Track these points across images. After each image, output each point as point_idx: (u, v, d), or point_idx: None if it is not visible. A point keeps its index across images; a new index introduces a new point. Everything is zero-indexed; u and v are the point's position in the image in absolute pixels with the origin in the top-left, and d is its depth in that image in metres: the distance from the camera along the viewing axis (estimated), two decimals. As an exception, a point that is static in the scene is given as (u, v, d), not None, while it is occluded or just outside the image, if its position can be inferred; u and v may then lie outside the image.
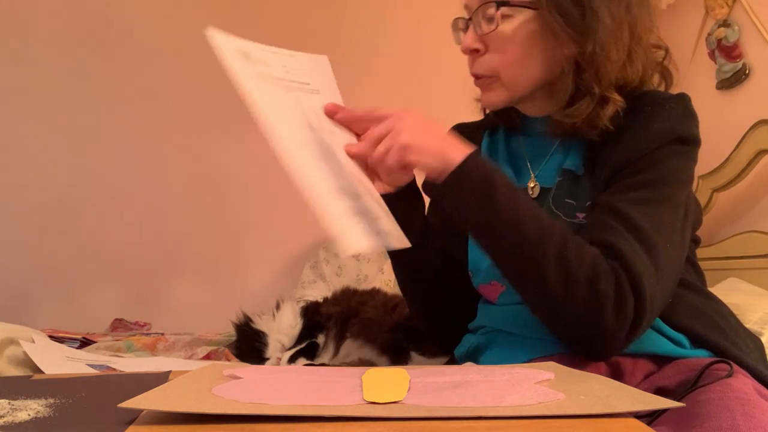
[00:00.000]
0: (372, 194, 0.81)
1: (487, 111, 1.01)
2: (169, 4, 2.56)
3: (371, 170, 0.83)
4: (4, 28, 2.40)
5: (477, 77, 0.89)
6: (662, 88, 0.91)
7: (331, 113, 0.83)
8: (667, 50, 0.91)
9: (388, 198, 0.84)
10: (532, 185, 0.92)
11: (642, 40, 0.86)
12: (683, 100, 0.85)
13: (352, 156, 0.81)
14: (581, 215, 0.85)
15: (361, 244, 0.70)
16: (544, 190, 0.90)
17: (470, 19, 0.88)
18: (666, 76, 0.92)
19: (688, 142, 0.83)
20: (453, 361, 0.99)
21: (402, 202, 0.87)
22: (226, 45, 0.74)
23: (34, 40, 2.43)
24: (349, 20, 2.75)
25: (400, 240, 0.79)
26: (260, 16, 2.59)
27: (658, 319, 0.81)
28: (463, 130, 1.05)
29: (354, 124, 0.84)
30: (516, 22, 0.84)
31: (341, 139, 0.82)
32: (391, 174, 0.82)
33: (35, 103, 2.43)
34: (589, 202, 0.85)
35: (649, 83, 0.89)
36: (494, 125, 1.01)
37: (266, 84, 0.76)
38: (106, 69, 2.48)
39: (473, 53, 0.88)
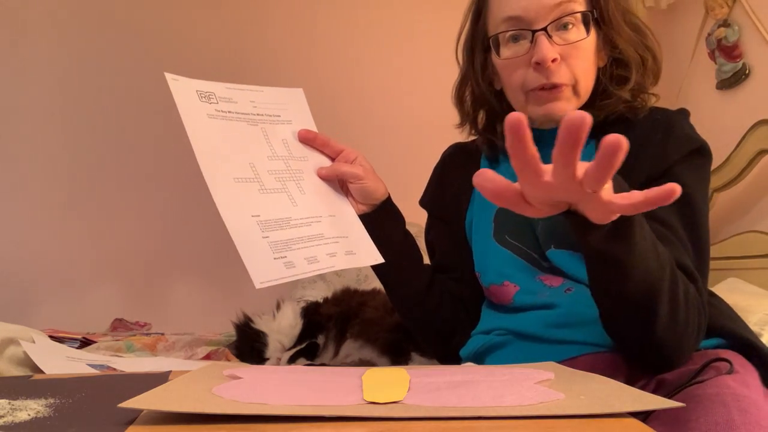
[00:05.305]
0: (341, 214, 0.87)
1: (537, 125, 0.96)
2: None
3: (347, 190, 0.91)
4: (4, 27, 2.41)
5: (553, 87, 0.87)
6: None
7: (305, 139, 0.90)
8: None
9: (365, 216, 0.90)
10: None
11: None
12: (687, 113, 0.92)
13: (323, 177, 0.88)
14: None
15: (271, 276, 0.72)
16: None
17: (541, 29, 0.85)
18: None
19: (705, 153, 0.88)
20: (456, 360, 0.98)
21: (380, 218, 0.93)
22: (183, 87, 0.80)
23: (35, 35, 2.43)
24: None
25: (366, 258, 0.85)
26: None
27: None
28: (461, 151, 1.08)
29: (327, 147, 0.91)
30: (592, 32, 0.89)
31: (314, 162, 0.89)
32: (363, 192, 0.89)
33: (35, 103, 2.43)
34: None
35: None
36: (494, 152, 1.01)
37: (222, 120, 0.82)
38: (108, 68, 2.48)
39: (554, 62, 0.86)
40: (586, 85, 0.89)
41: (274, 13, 2.70)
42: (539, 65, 0.86)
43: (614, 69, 0.91)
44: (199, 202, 2.73)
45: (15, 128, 2.40)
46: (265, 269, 0.72)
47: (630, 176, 0.81)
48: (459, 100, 1.03)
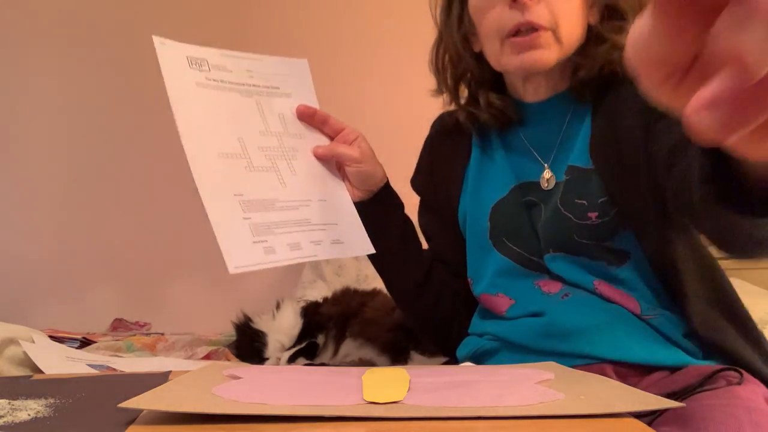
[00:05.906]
0: (334, 199, 0.82)
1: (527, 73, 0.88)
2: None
3: (343, 173, 0.85)
4: (4, 27, 2.41)
5: (531, 30, 0.79)
6: None
7: (303, 115, 0.84)
8: None
9: (362, 204, 0.85)
10: (548, 176, 0.87)
11: None
12: None
13: (318, 157, 0.83)
14: (593, 215, 0.81)
15: (247, 261, 0.68)
16: (557, 183, 0.86)
17: None
18: None
19: None
20: (453, 361, 0.97)
21: (377, 206, 0.88)
22: (172, 52, 0.74)
23: (35, 36, 2.43)
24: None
25: (354, 248, 0.80)
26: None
27: (673, 330, 0.80)
28: (449, 124, 0.97)
29: (326, 126, 0.86)
30: None
31: (310, 141, 0.84)
32: (363, 178, 0.84)
33: (35, 102, 2.43)
34: (602, 199, 0.80)
35: None
36: (482, 129, 0.94)
37: (213, 89, 0.76)
38: (106, 68, 2.48)
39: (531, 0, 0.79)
40: (569, 31, 0.80)
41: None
42: (515, 1, 0.78)
43: (608, 22, 0.83)
44: (199, 201, 2.73)
45: (15, 128, 2.40)
46: (241, 253, 0.67)
47: (626, 116, 0.79)
48: (436, 66, 0.94)
